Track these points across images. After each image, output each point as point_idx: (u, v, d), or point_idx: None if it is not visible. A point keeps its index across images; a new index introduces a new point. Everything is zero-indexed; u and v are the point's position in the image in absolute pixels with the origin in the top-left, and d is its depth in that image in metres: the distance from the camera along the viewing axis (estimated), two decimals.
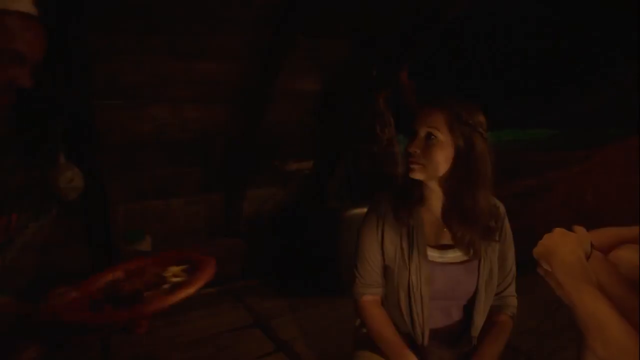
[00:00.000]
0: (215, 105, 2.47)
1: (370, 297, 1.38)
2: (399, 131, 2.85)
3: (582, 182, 3.05)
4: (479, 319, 1.36)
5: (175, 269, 1.11)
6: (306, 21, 2.29)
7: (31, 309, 0.89)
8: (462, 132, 1.28)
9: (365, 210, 1.46)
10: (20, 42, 0.91)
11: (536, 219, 2.66)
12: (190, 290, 0.99)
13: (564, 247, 0.92)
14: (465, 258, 1.34)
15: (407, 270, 1.32)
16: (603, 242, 1.00)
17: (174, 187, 2.65)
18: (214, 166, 2.69)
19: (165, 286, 1.04)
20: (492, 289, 1.37)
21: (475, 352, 1.34)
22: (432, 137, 1.28)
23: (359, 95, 2.77)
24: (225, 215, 2.83)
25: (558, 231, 0.96)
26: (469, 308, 1.37)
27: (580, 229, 0.98)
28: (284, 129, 2.71)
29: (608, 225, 1.11)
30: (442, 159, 1.29)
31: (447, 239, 1.37)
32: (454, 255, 1.35)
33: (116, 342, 2.11)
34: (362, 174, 2.81)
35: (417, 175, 1.32)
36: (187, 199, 2.70)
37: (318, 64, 2.57)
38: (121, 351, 2.12)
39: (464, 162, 1.29)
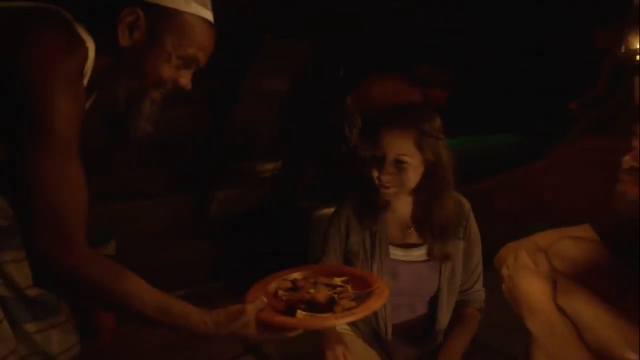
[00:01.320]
0: (182, 105, 2.43)
1: None
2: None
3: (540, 182, 3.17)
4: (443, 316, 1.40)
5: (338, 279, 1.09)
6: (272, 21, 2.29)
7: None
8: (429, 146, 1.30)
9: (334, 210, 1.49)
10: (200, 48, 0.97)
11: (499, 217, 2.75)
12: (382, 300, 0.97)
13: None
14: (425, 257, 1.38)
15: (370, 268, 1.35)
16: (549, 242, 1.06)
17: (141, 189, 2.60)
18: (181, 167, 2.65)
19: (351, 294, 1.01)
20: (455, 287, 1.41)
21: (441, 348, 1.37)
22: (403, 162, 1.29)
23: (327, 95, 2.79)
24: (193, 217, 2.80)
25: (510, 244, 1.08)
26: (433, 305, 1.41)
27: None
28: (252, 129, 2.70)
29: (564, 222, 1.17)
30: (415, 177, 1.32)
31: (412, 238, 1.40)
32: (419, 253, 1.38)
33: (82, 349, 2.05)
34: (332, 174, 2.83)
35: (391, 197, 1.34)
36: (154, 200, 2.65)
37: (285, 64, 2.57)
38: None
39: (433, 172, 1.32)
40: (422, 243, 1.39)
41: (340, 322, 0.96)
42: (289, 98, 2.70)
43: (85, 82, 0.90)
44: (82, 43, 0.87)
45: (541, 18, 3.53)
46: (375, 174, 1.31)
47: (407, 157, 1.28)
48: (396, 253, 1.37)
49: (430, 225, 1.35)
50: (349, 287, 1.05)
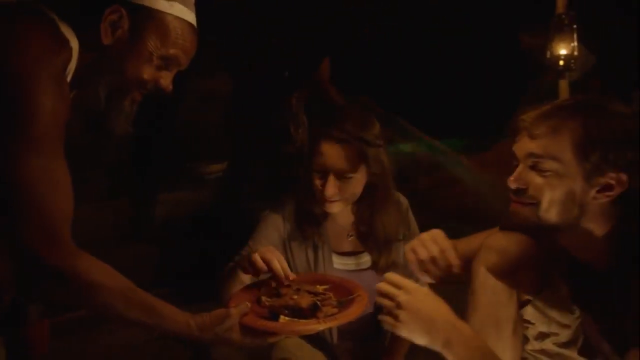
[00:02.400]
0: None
1: None
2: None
3: (455, 185, 3.35)
4: None
5: (320, 287, 1.10)
6: (215, 21, 2.25)
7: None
8: (372, 156, 1.29)
9: None
10: (182, 50, 0.98)
11: (438, 215, 2.87)
12: (362, 306, 1.00)
13: None
14: (370, 264, 1.38)
15: None
16: (472, 247, 1.14)
17: (77, 193, 2.47)
18: (121, 170, 2.55)
19: (333, 301, 1.04)
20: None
21: (387, 348, 1.40)
22: (348, 177, 1.27)
23: (272, 95, 2.78)
24: (134, 221, 2.70)
25: None
26: (379, 305, 1.43)
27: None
28: (196, 130, 2.65)
29: (483, 222, 1.24)
30: (359, 189, 1.31)
31: (354, 246, 1.41)
32: (363, 260, 1.40)
33: None
34: (277, 174, 2.83)
35: (336, 210, 1.32)
36: (91, 205, 2.53)
37: (229, 64, 2.54)
38: None
39: (376, 181, 1.33)
40: (364, 250, 1.39)
41: (323, 327, 0.98)
42: (234, 98, 2.67)
43: (67, 80, 0.90)
44: (66, 42, 0.87)
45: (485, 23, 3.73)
46: (317, 186, 1.28)
47: (350, 172, 1.26)
48: (340, 262, 1.37)
49: (373, 235, 1.34)
50: (332, 295, 1.07)
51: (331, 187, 1.26)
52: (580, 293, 1.04)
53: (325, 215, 1.37)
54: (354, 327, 1.41)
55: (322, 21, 2.60)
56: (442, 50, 4.31)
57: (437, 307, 0.92)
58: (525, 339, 1.12)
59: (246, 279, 1.20)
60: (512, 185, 0.97)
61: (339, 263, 1.36)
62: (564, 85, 2.70)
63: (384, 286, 0.92)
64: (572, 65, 2.58)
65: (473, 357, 0.89)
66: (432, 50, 4.32)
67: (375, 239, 1.34)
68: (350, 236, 1.39)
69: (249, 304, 0.97)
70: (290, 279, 1.08)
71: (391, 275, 0.94)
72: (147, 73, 0.96)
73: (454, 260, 1.11)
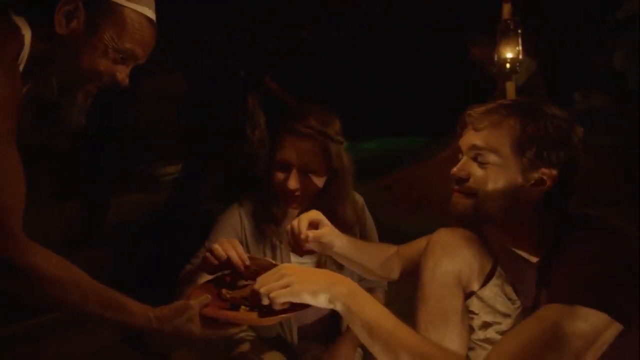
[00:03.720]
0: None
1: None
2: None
3: (429, 178, 3.45)
4: None
5: None
6: (170, 19, 2.23)
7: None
8: (334, 152, 1.29)
9: None
10: (133, 42, 0.96)
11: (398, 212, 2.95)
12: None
13: None
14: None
15: None
16: (419, 247, 1.19)
17: (28, 196, 2.37)
18: (70, 172, 2.47)
19: None
20: (355, 281, 1.45)
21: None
22: (311, 171, 1.27)
23: (228, 96, 2.77)
24: (86, 225, 2.62)
25: None
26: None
27: None
28: (151, 130, 2.60)
29: (434, 220, 1.30)
30: (320, 185, 1.31)
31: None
32: (321, 259, 1.38)
33: None
34: (234, 175, 2.81)
35: (297, 207, 1.32)
36: (39, 209, 2.44)
37: (184, 63, 2.51)
38: None
39: (336, 178, 1.33)
40: None
41: (283, 319, 1.00)
42: (190, 98, 2.64)
43: (20, 70, 0.88)
44: (18, 30, 0.87)
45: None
46: (279, 180, 1.27)
47: (314, 166, 1.26)
48: (297, 261, 1.36)
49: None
50: None
51: (294, 180, 1.25)
52: (519, 283, 1.12)
53: (285, 214, 1.37)
54: (314, 327, 1.42)
55: (280, 20, 2.62)
56: (406, 49, 4.44)
57: (309, 270, 0.98)
58: (471, 329, 1.18)
59: (206, 279, 1.19)
60: (455, 175, 1.03)
61: (297, 262, 1.36)
62: (510, 87, 2.83)
63: (262, 278, 0.93)
64: (517, 68, 2.72)
65: (354, 302, 0.91)
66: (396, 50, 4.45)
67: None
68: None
69: (209, 296, 0.97)
70: (247, 264, 1.07)
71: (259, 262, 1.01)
72: (103, 65, 0.95)
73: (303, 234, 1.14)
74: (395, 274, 1.34)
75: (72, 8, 0.90)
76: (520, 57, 2.68)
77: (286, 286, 0.90)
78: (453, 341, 1.14)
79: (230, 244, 1.09)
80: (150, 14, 1.00)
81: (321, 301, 0.91)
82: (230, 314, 0.96)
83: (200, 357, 2.08)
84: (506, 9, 2.72)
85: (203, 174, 2.89)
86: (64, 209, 2.56)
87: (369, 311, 0.89)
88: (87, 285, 0.87)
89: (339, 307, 0.91)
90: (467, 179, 1.01)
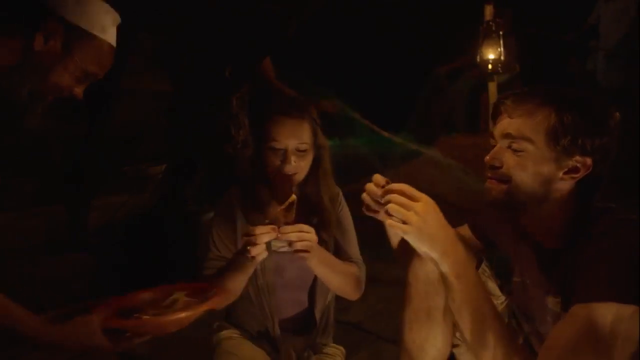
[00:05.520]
0: (54, 107, 2.23)
1: None
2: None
3: (415, 177, 3.48)
4: (321, 301, 1.44)
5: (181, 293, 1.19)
6: (151, 20, 2.22)
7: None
8: (318, 131, 1.36)
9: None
10: (98, 66, 1.11)
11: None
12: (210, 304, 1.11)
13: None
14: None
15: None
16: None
17: (5, 200, 2.35)
18: (52, 174, 2.44)
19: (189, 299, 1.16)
20: None
21: None
22: (302, 151, 1.32)
23: (212, 96, 2.76)
24: (68, 228, 2.58)
25: None
26: (311, 293, 1.45)
27: None
28: (133, 131, 2.57)
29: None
30: (309, 165, 1.36)
31: None
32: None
33: None
34: (219, 175, 2.80)
35: (294, 185, 1.34)
36: (21, 212, 2.41)
37: (167, 64, 2.50)
38: None
39: (319, 159, 1.38)
40: None
41: (177, 316, 1.08)
42: (174, 98, 2.62)
43: None
44: None
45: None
46: (274, 164, 1.31)
47: (306, 145, 1.32)
48: (278, 245, 1.37)
49: (320, 208, 1.38)
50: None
51: (291, 162, 1.30)
52: (529, 272, 1.13)
53: (269, 200, 1.39)
54: (292, 320, 1.43)
55: (268, 17, 2.61)
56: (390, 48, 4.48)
57: (442, 222, 0.97)
58: (456, 326, 1.20)
59: (250, 265, 1.26)
60: (488, 162, 1.04)
61: (276, 246, 1.37)
62: (492, 87, 2.88)
63: (397, 198, 0.95)
64: (499, 68, 2.77)
65: (459, 272, 0.98)
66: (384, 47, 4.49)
67: (321, 211, 1.37)
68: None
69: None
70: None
71: (407, 187, 0.97)
72: (67, 81, 1.09)
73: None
74: None
75: (53, 30, 1.03)
76: (502, 58, 2.73)
77: (409, 226, 0.94)
78: (437, 339, 1.16)
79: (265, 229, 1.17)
80: (114, 41, 1.13)
81: (428, 255, 0.99)
82: (130, 322, 1.05)
83: (184, 352, 2.07)
84: (488, 11, 2.76)
85: (187, 174, 2.87)
86: (46, 212, 2.53)
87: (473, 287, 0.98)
88: None
89: (444, 269, 0.98)
90: (499, 167, 1.02)
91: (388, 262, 1.70)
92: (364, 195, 1.03)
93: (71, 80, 1.09)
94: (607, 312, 0.85)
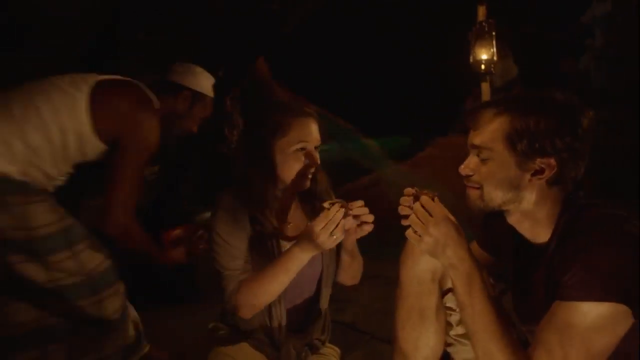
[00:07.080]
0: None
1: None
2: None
3: (407, 177, 3.50)
4: (325, 294, 1.46)
5: None
6: (143, 20, 2.21)
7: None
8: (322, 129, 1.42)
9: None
10: (208, 112, 1.93)
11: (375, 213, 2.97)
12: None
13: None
14: None
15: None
16: None
17: None
18: None
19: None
20: (333, 267, 1.47)
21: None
22: (317, 147, 1.38)
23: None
24: None
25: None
26: (317, 287, 1.46)
27: None
28: None
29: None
30: None
31: (293, 230, 1.44)
32: None
33: None
34: (214, 176, 2.79)
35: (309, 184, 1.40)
36: None
37: (159, 64, 2.48)
38: None
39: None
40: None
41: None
42: None
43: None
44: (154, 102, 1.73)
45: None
46: (302, 163, 1.34)
47: (319, 141, 1.39)
48: (285, 245, 1.38)
49: (316, 191, 1.43)
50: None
51: (316, 160, 1.37)
52: (518, 268, 1.17)
53: (275, 198, 1.40)
54: (296, 313, 1.43)
55: (260, 19, 2.61)
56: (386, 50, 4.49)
57: (454, 239, 1.07)
58: (449, 325, 1.21)
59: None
60: (461, 172, 1.11)
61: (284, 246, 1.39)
62: (485, 87, 2.88)
63: (420, 210, 1.07)
64: (492, 69, 2.77)
65: (464, 283, 1.06)
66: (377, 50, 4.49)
67: (319, 200, 1.39)
68: (289, 223, 1.44)
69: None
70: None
71: (427, 201, 1.09)
72: (191, 126, 1.89)
73: None
74: None
75: (188, 96, 1.83)
76: (495, 58, 2.73)
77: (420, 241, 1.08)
78: (430, 338, 1.17)
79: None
80: (212, 94, 1.91)
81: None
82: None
83: (184, 350, 2.06)
84: (481, 11, 2.77)
85: (181, 175, 2.86)
86: None
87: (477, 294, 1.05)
88: None
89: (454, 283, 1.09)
90: (471, 175, 1.09)
91: (384, 261, 1.72)
92: (400, 208, 1.12)
93: (194, 124, 1.89)
94: (586, 310, 0.90)
